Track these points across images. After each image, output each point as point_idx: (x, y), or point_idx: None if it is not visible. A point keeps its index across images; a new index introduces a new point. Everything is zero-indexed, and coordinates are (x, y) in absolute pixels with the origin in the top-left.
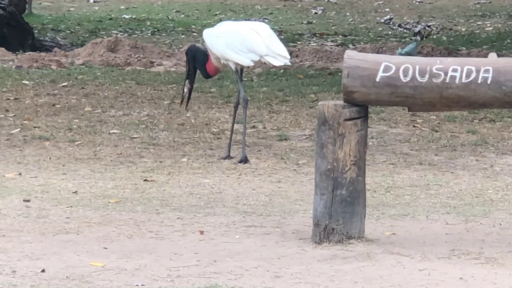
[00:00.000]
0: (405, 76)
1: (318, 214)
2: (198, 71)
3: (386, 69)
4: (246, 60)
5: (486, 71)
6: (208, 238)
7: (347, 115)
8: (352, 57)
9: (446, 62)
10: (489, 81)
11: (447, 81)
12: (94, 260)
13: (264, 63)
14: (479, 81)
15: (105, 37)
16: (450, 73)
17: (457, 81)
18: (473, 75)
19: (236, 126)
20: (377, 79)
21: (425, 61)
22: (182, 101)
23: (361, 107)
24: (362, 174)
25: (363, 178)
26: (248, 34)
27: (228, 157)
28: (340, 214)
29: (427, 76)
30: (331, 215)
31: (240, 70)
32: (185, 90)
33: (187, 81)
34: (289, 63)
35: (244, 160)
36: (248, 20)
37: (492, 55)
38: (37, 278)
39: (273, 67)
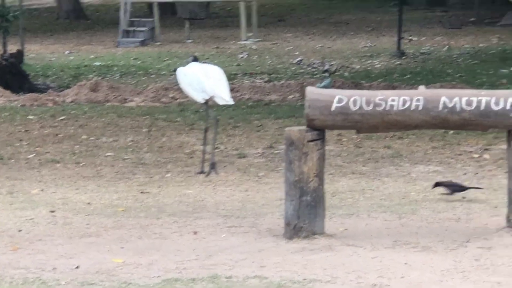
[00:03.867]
0: (354, 105)
1: (288, 216)
2: None
3: (339, 100)
4: (199, 98)
5: (418, 100)
6: (200, 237)
7: (309, 137)
8: (312, 91)
9: (386, 93)
10: (420, 108)
11: (387, 108)
12: (115, 257)
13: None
14: (412, 108)
15: (86, 80)
16: (389, 102)
17: (395, 108)
18: (407, 104)
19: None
20: (332, 109)
21: (369, 93)
22: None
23: (320, 131)
24: (322, 184)
25: (322, 187)
26: (202, 77)
27: (202, 172)
28: (306, 215)
29: (371, 105)
30: (299, 217)
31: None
32: None
33: None
34: (232, 103)
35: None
36: (204, 63)
37: (421, 87)
38: (73, 273)
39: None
